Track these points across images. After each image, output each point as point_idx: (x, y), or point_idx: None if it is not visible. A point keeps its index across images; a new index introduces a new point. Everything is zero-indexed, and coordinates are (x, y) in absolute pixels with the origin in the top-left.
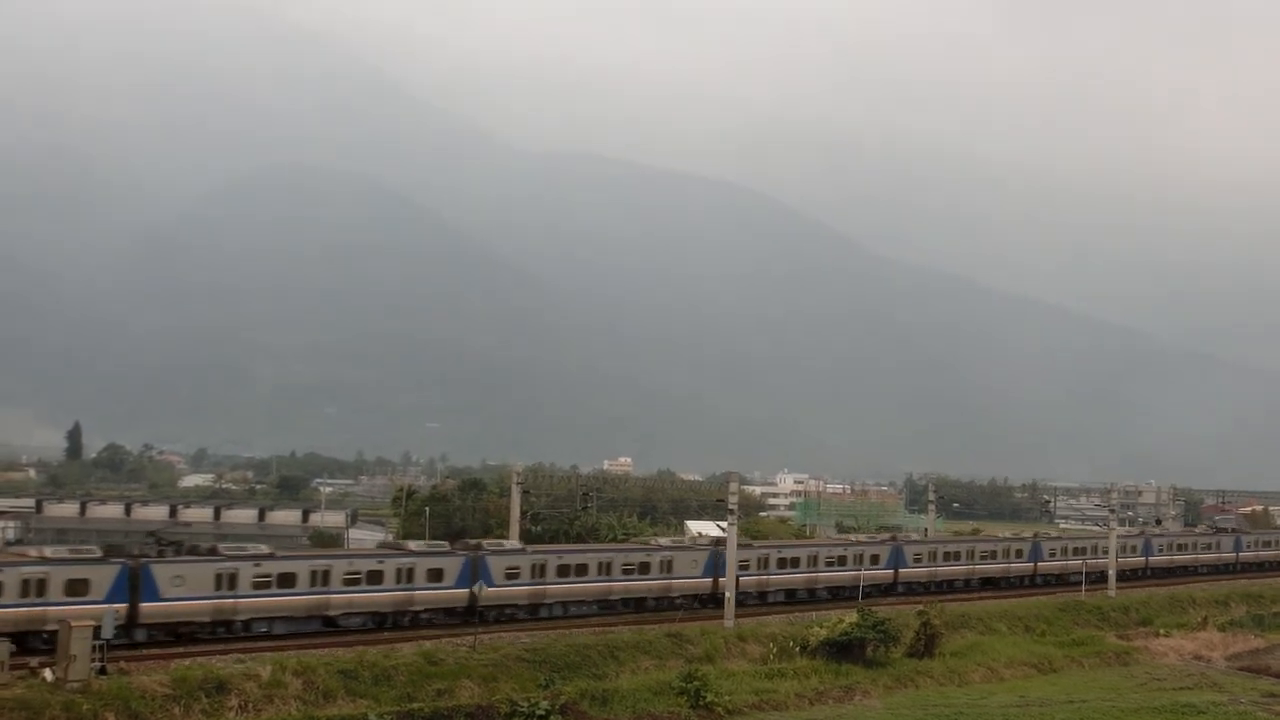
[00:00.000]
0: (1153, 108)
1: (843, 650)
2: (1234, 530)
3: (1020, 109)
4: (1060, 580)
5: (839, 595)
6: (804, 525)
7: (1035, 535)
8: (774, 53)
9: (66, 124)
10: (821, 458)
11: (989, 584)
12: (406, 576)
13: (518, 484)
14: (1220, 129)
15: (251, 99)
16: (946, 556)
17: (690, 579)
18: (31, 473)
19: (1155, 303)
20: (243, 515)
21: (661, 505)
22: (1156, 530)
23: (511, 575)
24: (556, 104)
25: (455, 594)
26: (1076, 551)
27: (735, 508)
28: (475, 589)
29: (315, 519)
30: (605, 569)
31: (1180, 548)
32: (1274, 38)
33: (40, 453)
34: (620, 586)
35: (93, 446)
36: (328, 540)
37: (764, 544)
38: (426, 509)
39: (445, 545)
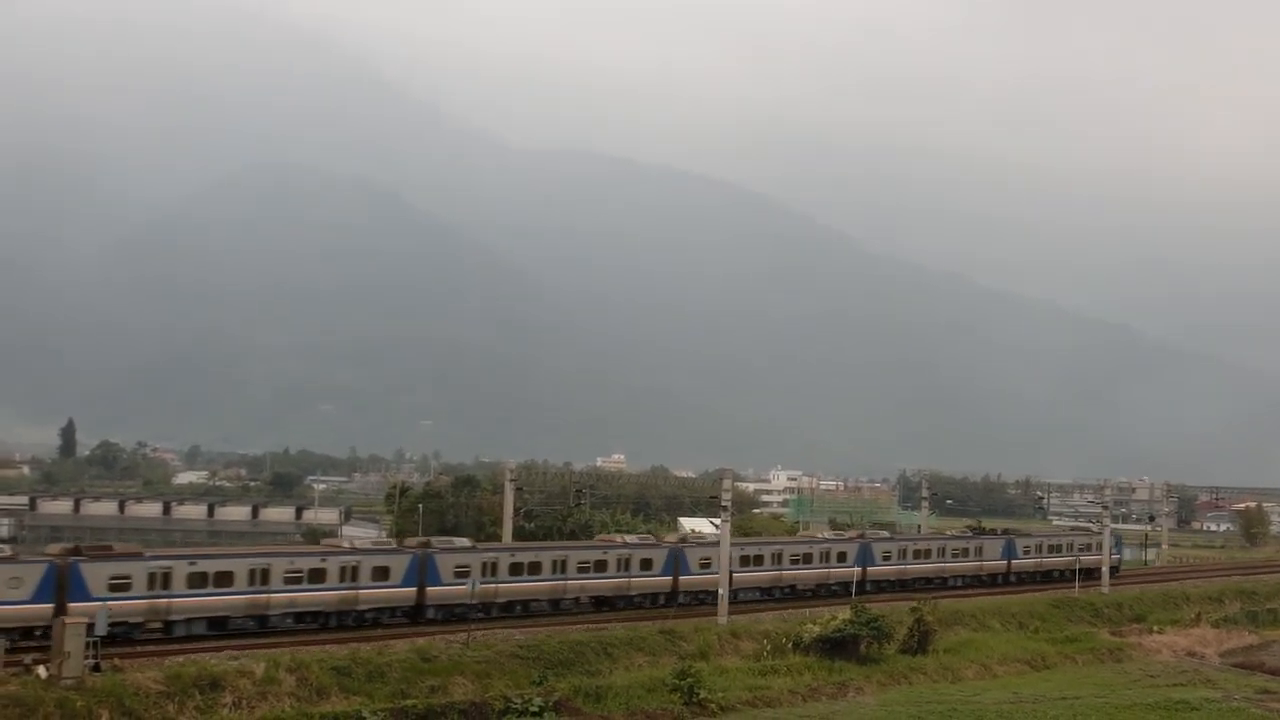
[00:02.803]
0: (1149, 106)
1: (836, 647)
2: (1005, 532)
3: (1016, 107)
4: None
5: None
6: (797, 522)
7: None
8: (771, 51)
9: (55, 124)
10: (815, 455)
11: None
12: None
13: (511, 481)
14: (1217, 128)
15: (243, 98)
16: (916, 554)
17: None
18: (25, 470)
19: (1149, 301)
20: (236, 512)
21: (655, 502)
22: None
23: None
24: (553, 102)
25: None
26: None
27: (729, 504)
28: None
29: (309, 516)
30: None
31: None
32: (1272, 37)
33: (33, 450)
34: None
35: (86, 444)
36: (321, 537)
37: (490, 546)
38: (420, 506)
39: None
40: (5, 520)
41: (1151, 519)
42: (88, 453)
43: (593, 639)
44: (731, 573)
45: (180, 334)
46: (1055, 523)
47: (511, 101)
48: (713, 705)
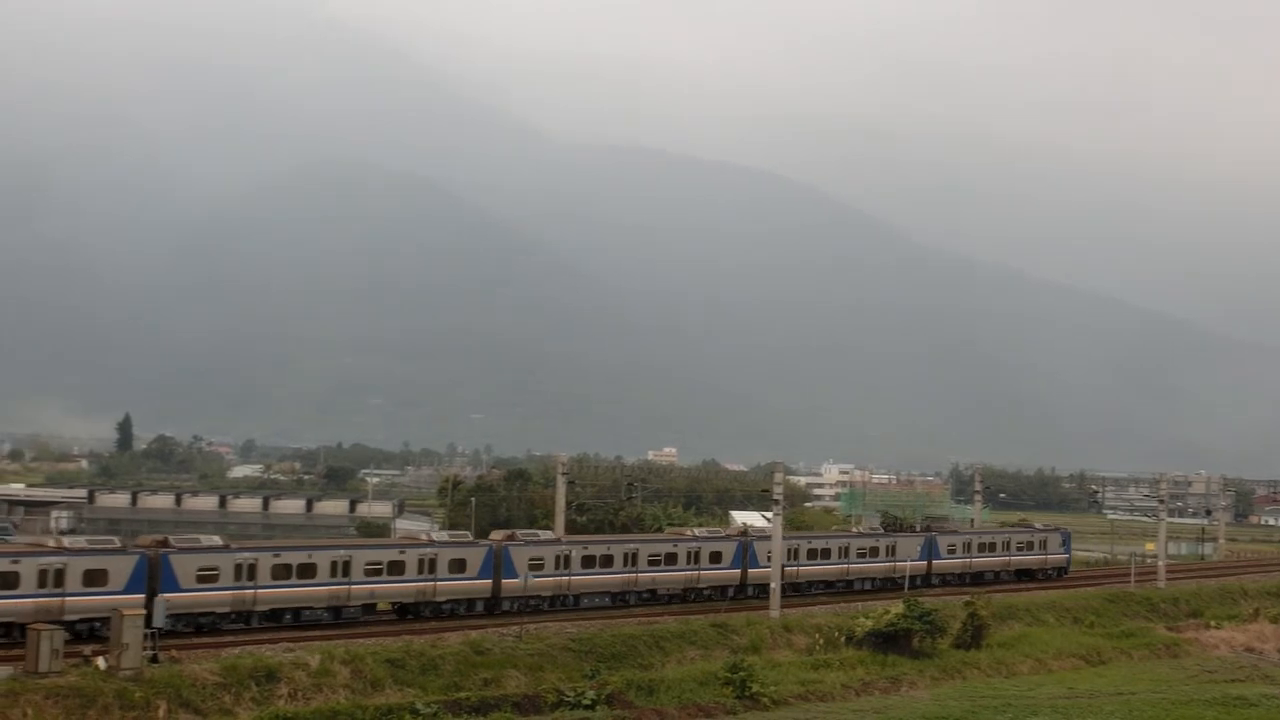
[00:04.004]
0: (1197, 90)
1: (889, 641)
2: (927, 529)
3: (1062, 94)
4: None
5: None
6: (849, 516)
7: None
8: (812, 40)
9: (109, 127)
10: (867, 448)
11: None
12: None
13: (563, 474)
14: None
15: (291, 96)
16: (812, 555)
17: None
18: (84, 463)
19: (1203, 291)
20: (291, 506)
21: (706, 495)
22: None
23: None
24: (596, 97)
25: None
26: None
27: (780, 498)
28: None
29: (362, 509)
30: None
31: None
32: None
33: (92, 444)
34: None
35: (143, 438)
36: (375, 530)
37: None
38: (472, 499)
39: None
40: (64, 513)
41: (1208, 513)
42: (144, 447)
43: (644, 632)
44: (572, 575)
45: (235, 330)
46: (1111, 517)
47: (557, 96)
48: (765, 699)
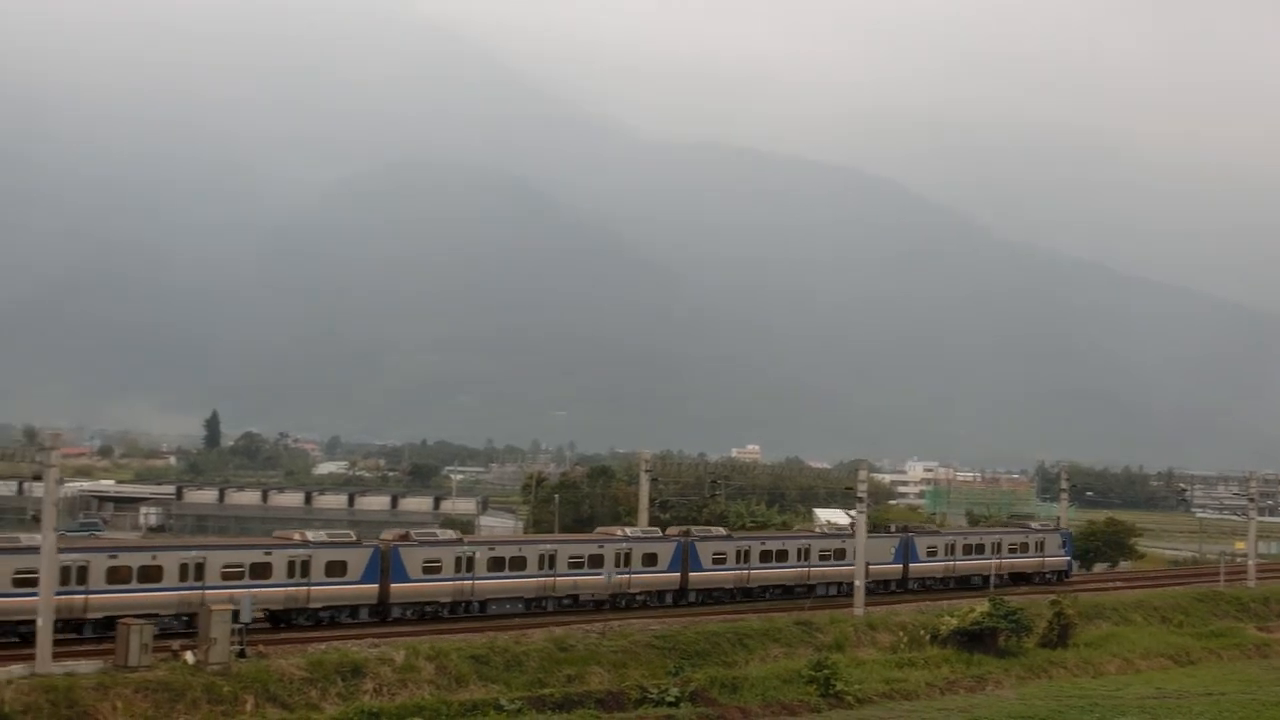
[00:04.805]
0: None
1: (974, 640)
2: (904, 529)
3: (1151, 89)
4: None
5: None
6: (934, 514)
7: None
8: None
9: (201, 131)
10: (951, 446)
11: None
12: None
13: (646, 471)
14: None
15: (372, 97)
16: (765, 556)
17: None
18: (172, 460)
19: None
20: (376, 502)
21: (790, 493)
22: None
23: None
24: (675, 94)
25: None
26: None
27: (865, 496)
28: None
29: (447, 506)
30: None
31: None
32: None
33: (180, 441)
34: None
35: (230, 435)
36: (459, 527)
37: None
38: (556, 496)
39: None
40: (153, 509)
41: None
42: (232, 443)
43: (728, 630)
44: (475, 580)
45: (320, 327)
46: (1200, 515)
47: (637, 94)
48: (849, 697)
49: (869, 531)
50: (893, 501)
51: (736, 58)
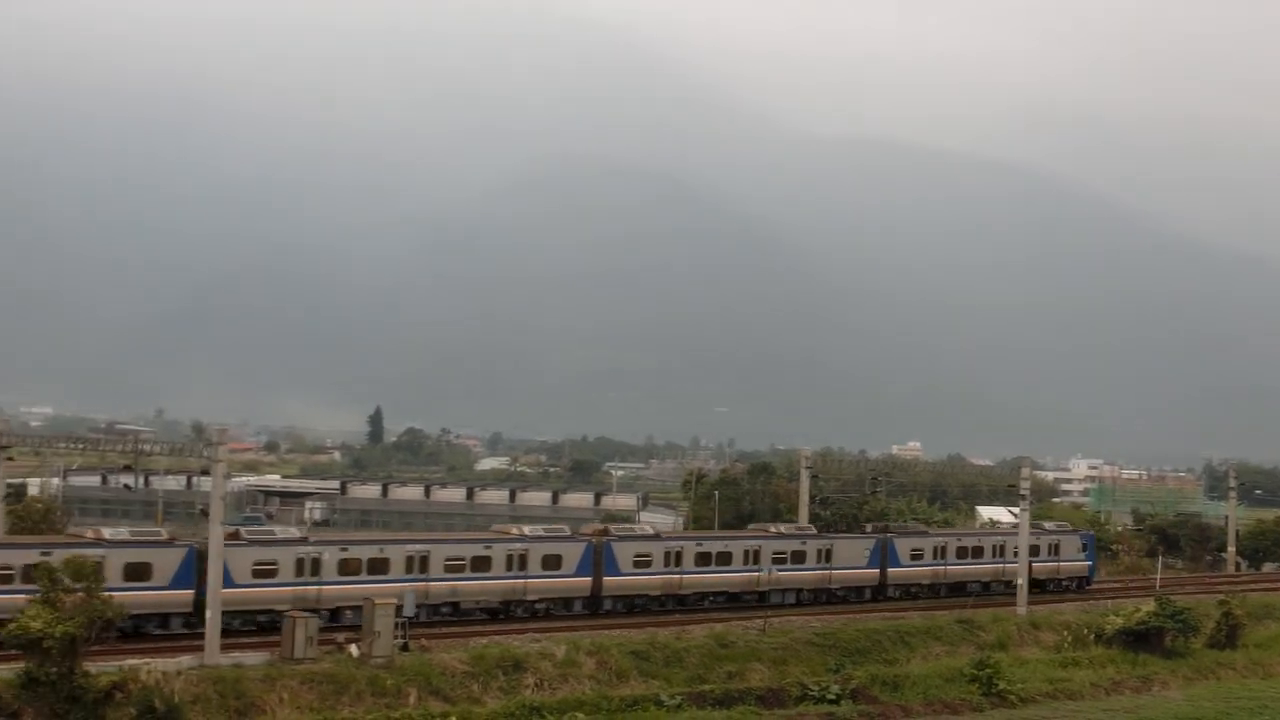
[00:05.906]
0: None
1: (1140, 640)
2: (883, 529)
3: None
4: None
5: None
6: (1098, 512)
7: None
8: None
9: (360, 135)
10: (1116, 443)
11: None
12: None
13: (806, 468)
14: None
15: (521, 92)
16: (703, 560)
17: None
18: (336, 455)
19: None
20: (537, 498)
21: (951, 490)
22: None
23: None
24: (843, 89)
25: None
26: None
27: (1027, 493)
28: None
29: (607, 502)
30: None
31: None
32: None
33: (344, 437)
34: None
35: (393, 430)
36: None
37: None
38: (716, 493)
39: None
40: (318, 504)
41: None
42: (394, 439)
43: (889, 627)
44: (346, 583)
45: (481, 324)
46: None
47: (802, 88)
48: (1012, 697)
49: (843, 532)
50: (1056, 499)
51: (873, 52)
